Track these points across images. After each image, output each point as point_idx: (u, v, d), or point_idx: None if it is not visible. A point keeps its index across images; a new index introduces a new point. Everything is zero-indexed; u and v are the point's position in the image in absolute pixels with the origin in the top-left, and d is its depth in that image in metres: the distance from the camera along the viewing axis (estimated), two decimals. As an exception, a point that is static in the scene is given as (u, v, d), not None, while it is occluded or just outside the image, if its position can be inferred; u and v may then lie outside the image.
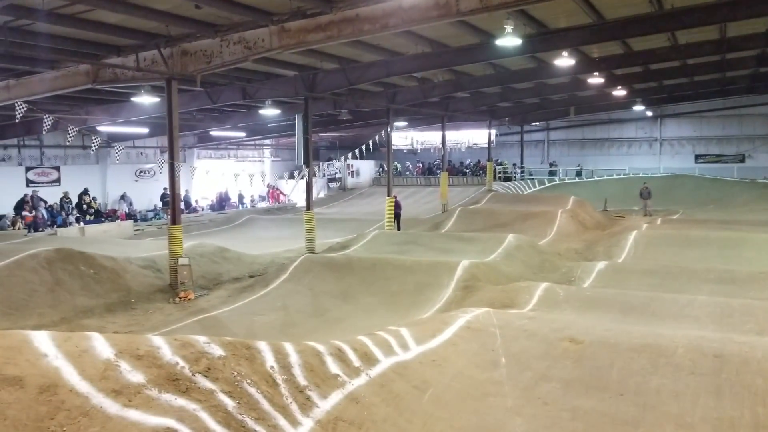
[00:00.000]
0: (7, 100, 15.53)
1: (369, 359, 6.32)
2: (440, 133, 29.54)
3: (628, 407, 5.99)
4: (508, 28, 12.59)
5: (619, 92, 26.92)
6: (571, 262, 15.92)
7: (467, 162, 40.15)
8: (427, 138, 38.43)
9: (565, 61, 17.22)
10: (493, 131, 35.21)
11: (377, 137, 24.03)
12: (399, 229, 22.84)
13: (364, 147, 23.28)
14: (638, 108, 32.32)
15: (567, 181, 36.06)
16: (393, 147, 26.81)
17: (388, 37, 14.98)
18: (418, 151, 40.10)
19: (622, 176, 34.90)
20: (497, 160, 37.76)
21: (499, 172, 36.85)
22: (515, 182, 36.30)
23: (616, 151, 38.85)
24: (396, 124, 29.89)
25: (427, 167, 40.02)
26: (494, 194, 30.61)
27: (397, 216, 23.27)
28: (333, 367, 5.84)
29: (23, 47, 13.32)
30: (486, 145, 34.43)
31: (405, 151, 40.03)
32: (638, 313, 9.72)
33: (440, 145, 30.16)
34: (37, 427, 3.79)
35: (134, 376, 4.42)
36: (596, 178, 35.53)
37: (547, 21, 15.08)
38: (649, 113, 35.97)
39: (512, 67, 21.20)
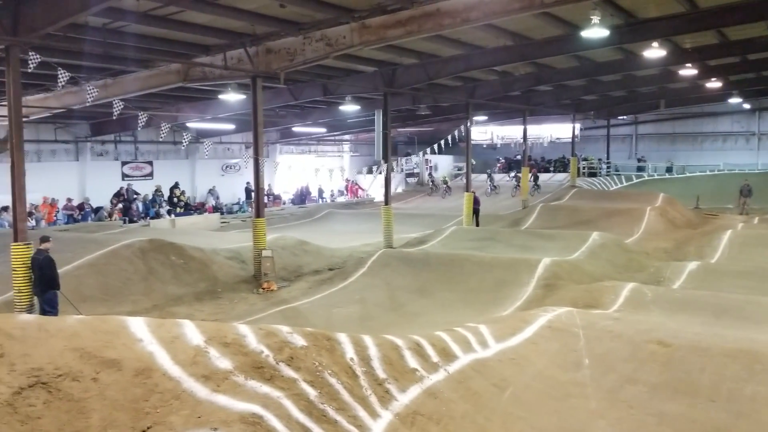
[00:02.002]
0: (105, 98, 16.44)
1: (447, 355, 6.30)
2: (521, 127, 28.96)
3: (720, 414, 5.71)
4: (595, 18, 12.21)
5: (714, 84, 25.48)
6: (659, 262, 15.33)
7: (546, 159, 39.08)
8: (507, 132, 37.72)
9: (655, 52, 16.46)
10: (577, 125, 34.20)
11: (456, 132, 23.85)
12: (478, 225, 22.61)
13: (442, 142, 23.19)
14: (734, 100, 30.50)
15: (656, 177, 34.65)
16: (472, 142, 26.50)
17: (468, 30, 14.84)
18: (498, 146, 39.47)
19: (716, 173, 33.16)
20: (581, 155, 36.66)
21: (584, 168, 35.73)
22: (600, 178, 35.15)
23: (710, 145, 36.74)
24: (475, 118, 29.53)
25: (508, 163, 39.32)
26: (578, 190, 29.71)
27: (476, 212, 23.04)
28: (411, 361, 5.86)
29: (119, 48, 14.06)
30: (569, 140, 33.47)
31: (484, 146, 39.44)
32: (732, 317, 9.22)
33: (521, 140, 29.56)
34: (133, 408, 4.01)
35: (222, 362, 4.60)
36: (688, 175, 33.89)
37: (636, 10, 14.51)
38: (747, 106, 33.84)
39: (598, 58, 20.51)
